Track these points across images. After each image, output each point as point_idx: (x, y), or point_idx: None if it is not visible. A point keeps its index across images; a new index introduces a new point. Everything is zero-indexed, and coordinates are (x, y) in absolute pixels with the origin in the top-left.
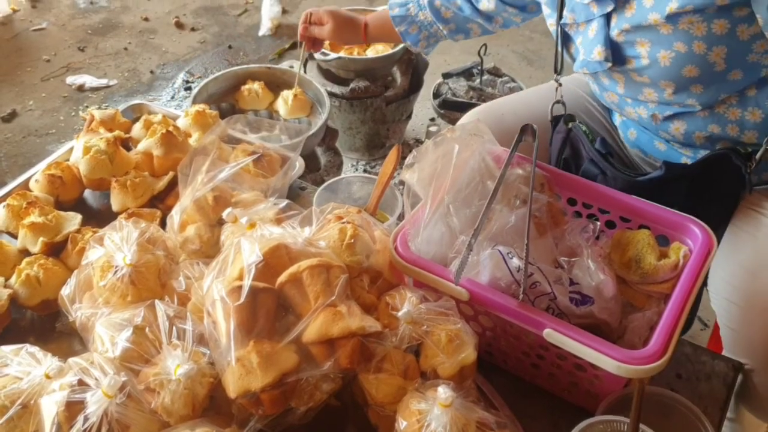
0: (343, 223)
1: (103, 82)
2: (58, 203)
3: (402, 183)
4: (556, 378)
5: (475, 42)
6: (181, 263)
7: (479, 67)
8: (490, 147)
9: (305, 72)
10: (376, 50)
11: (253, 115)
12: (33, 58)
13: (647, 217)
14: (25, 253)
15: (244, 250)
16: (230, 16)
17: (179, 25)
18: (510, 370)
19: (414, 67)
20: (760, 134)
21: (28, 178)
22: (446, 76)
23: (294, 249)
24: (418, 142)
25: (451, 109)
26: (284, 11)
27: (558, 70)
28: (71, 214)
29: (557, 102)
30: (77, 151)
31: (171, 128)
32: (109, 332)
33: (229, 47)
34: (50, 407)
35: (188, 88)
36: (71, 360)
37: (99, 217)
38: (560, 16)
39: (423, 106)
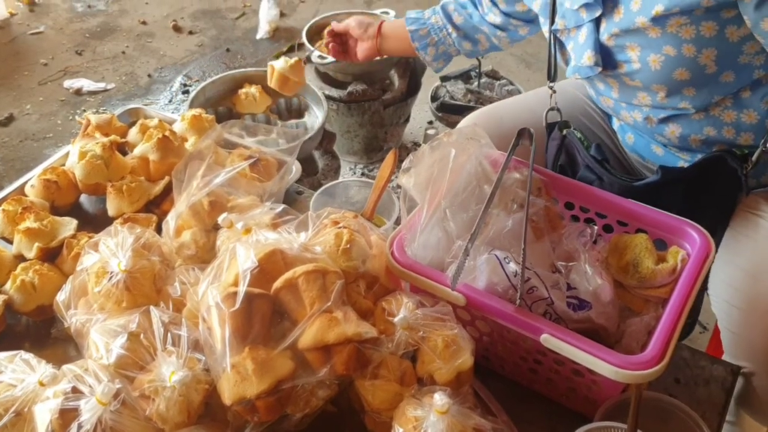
0: (340, 227)
1: (101, 85)
2: (54, 208)
3: (399, 187)
4: (553, 383)
5: None
6: (177, 269)
7: (477, 70)
8: (486, 151)
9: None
10: None
11: (250, 119)
12: (30, 61)
13: (645, 221)
14: (20, 258)
15: (239, 256)
16: (228, 19)
17: (177, 29)
18: (507, 375)
19: (412, 70)
20: (756, 136)
21: (24, 183)
22: (444, 79)
23: (290, 254)
24: (416, 145)
25: (449, 112)
26: (282, 14)
27: (552, 77)
28: (67, 219)
29: (551, 109)
30: (73, 156)
31: (167, 133)
32: (103, 339)
33: (227, 50)
34: (44, 415)
35: (186, 92)
36: (65, 367)
37: (95, 223)
38: (552, 23)
39: (421, 109)
